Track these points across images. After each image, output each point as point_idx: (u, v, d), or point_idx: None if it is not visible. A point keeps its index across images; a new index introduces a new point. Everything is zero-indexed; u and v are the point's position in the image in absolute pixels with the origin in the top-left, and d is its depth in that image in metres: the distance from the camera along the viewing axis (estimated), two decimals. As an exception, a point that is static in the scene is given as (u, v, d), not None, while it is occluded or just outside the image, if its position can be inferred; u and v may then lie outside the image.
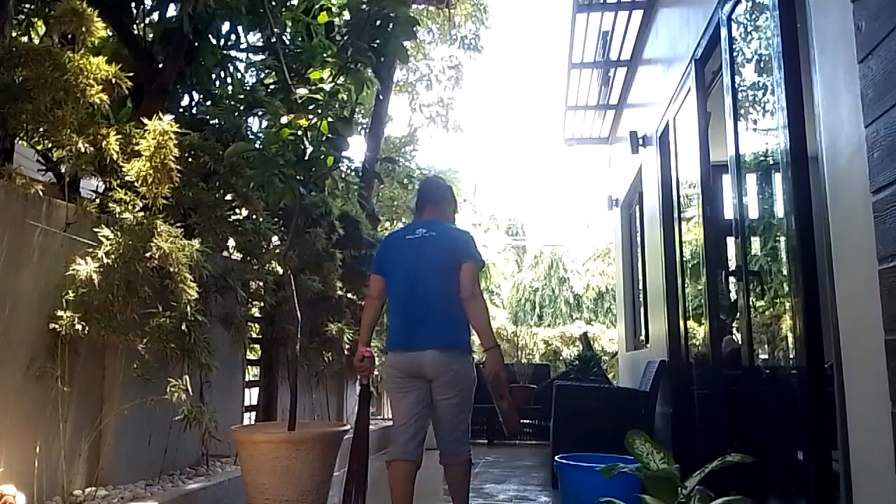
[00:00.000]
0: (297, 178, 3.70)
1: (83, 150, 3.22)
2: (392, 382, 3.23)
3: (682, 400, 4.53)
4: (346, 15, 4.59)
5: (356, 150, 9.99)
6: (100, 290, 3.06)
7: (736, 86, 3.31)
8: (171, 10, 5.19)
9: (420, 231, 3.31)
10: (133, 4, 5.15)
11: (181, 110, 5.29)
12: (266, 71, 5.70)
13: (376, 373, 5.59)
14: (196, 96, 5.59)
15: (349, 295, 6.02)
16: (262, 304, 4.80)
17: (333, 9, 5.90)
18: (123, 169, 3.43)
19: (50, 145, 3.51)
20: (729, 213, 3.43)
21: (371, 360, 3.34)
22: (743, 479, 2.98)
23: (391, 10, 3.70)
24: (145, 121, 3.51)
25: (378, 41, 3.79)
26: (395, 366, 3.20)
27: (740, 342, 3.33)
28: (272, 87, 5.38)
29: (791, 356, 2.69)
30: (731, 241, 3.48)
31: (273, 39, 4.95)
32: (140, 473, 3.57)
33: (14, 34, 4.16)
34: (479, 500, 4.36)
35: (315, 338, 5.15)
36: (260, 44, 5.79)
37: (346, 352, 5.46)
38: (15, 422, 2.90)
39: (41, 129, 3.25)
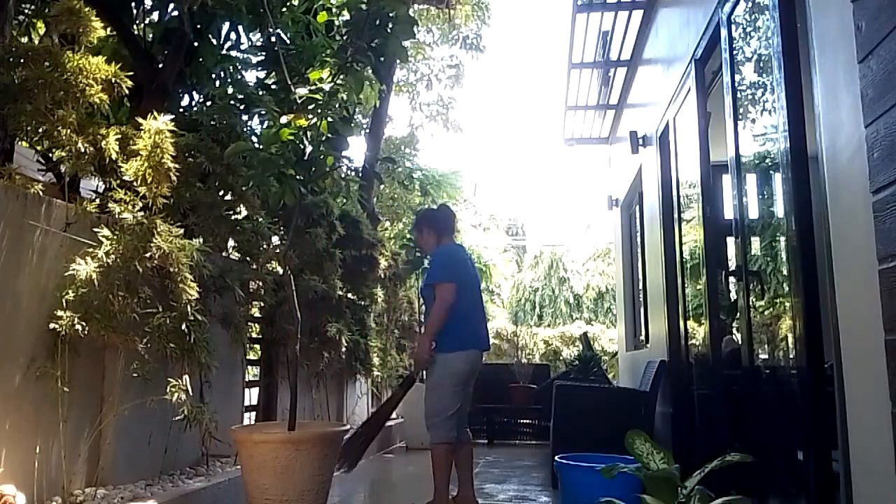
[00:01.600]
0: (297, 178, 3.70)
1: (83, 150, 3.21)
2: (455, 377, 3.79)
3: (682, 400, 4.53)
4: (346, 14, 4.58)
5: (356, 150, 9.99)
6: (100, 290, 3.06)
7: (736, 86, 3.31)
8: (172, 10, 5.18)
9: (463, 250, 4.33)
10: (133, 4, 5.14)
11: (181, 110, 5.28)
12: (265, 70, 5.69)
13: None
14: (196, 97, 5.58)
15: (349, 295, 6.01)
16: (261, 304, 4.79)
17: (333, 8, 5.89)
18: (122, 169, 3.43)
19: (50, 145, 3.51)
20: (729, 213, 3.43)
21: None
22: (743, 479, 2.98)
23: (391, 9, 3.70)
24: (140, 120, 3.50)
25: (378, 41, 3.79)
26: (466, 363, 3.81)
27: (740, 342, 3.33)
28: (272, 86, 5.37)
29: (791, 356, 2.69)
30: (731, 241, 3.48)
31: (273, 39, 4.94)
32: (140, 473, 3.57)
33: (14, 34, 4.15)
34: (478, 500, 4.34)
35: (315, 338, 5.14)
36: (260, 43, 5.78)
37: (343, 354, 5.47)
38: (15, 422, 2.90)
39: (41, 130, 3.23)
